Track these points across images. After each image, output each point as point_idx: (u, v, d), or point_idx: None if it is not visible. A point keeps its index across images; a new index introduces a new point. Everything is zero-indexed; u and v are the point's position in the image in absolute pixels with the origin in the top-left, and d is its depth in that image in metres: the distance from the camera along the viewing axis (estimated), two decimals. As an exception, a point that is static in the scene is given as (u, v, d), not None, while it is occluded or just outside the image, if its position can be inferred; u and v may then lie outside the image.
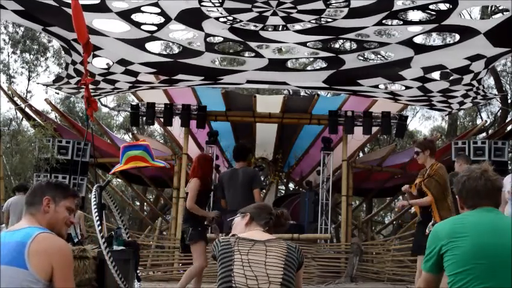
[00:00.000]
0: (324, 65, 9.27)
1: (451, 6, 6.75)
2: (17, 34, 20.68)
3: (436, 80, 9.23)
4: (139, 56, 8.26)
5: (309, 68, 18.61)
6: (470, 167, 2.70)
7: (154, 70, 9.00)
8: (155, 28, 7.51)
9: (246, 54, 8.74)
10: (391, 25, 7.95)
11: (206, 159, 6.76)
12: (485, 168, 2.62)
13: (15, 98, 13.36)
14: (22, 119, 16.53)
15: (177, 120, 12.72)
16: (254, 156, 15.47)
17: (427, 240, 2.63)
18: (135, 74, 9.00)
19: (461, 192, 2.65)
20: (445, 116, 18.16)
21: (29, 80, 21.81)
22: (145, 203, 22.55)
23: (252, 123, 13.66)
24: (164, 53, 10.10)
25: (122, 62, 8.46)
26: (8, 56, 20.99)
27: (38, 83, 21.12)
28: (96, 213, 5.01)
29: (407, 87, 9.61)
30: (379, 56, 17.44)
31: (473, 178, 2.61)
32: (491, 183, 2.59)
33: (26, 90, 22.08)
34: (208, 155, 8.11)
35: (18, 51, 21.04)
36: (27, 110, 13.42)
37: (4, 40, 20.54)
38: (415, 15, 9.34)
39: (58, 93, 20.91)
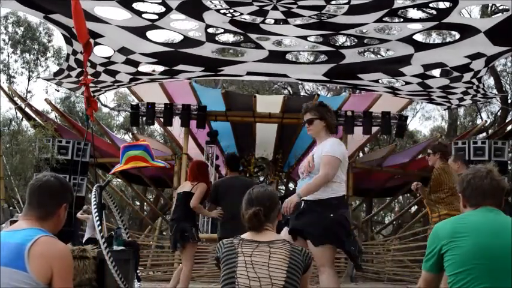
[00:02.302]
0: (325, 58, 9.27)
1: (451, 5, 6.76)
2: (16, 34, 20.66)
3: (436, 77, 9.26)
4: (140, 44, 8.24)
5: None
6: (476, 167, 2.69)
7: (155, 60, 8.96)
8: (156, 17, 7.50)
9: (246, 45, 8.75)
10: (392, 22, 7.94)
11: (207, 166, 6.87)
12: (491, 168, 2.63)
13: (15, 98, 13.36)
14: (22, 119, 16.49)
15: (177, 120, 12.71)
16: (254, 156, 15.47)
17: None
18: (135, 64, 8.97)
19: (465, 191, 2.64)
20: (444, 110, 18.13)
21: (29, 80, 21.81)
22: (145, 203, 22.55)
23: (252, 123, 13.65)
24: (165, 42, 10.11)
25: (123, 50, 8.43)
26: (8, 56, 21.00)
27: (38, 77, 21.05)
28: (96, 213, 5.01)
29: (407, 83, 9.62)
30: (379, 56, 17.43)
31: (479, 177, 2.60)
32: (497, 183, 2.59)
33: (26, 90, 22.06)
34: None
35: (18, 51, 21.03)
36: (27, 110, 13.41)
37: (4, 40, 20.55)
38: (415, 14, 9.33)
39: (58, 91, 20.91)
